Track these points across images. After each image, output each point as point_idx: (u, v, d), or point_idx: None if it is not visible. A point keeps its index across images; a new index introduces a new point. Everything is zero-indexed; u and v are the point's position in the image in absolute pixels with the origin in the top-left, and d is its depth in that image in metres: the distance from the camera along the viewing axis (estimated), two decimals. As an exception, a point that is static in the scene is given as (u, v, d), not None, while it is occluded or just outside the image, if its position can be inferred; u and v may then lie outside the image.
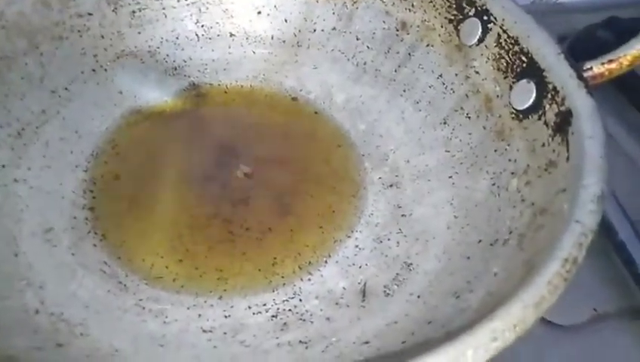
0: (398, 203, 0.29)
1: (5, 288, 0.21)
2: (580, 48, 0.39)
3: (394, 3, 0.33)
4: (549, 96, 0.24)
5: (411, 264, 0.25)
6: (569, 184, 0.20)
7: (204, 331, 0.23)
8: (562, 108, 0.23)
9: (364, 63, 0.34)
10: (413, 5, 0.32)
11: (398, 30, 0.33)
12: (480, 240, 0.24)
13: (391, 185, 0.30)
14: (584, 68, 0.24)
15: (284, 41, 0.35)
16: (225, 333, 0.23)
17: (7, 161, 0.26)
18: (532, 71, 0.26)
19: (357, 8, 0.34)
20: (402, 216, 0.28)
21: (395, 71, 0.33)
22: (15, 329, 0.20)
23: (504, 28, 0.27)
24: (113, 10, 0.32)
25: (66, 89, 0.30)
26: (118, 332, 0.22)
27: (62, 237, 0.25)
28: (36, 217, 0.25)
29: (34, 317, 0.21)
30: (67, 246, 0.25)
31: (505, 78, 0.27)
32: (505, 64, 0.27)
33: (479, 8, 0.29)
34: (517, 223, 0.22)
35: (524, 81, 0.26)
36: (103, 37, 0.32)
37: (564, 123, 0.23)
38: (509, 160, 0.26)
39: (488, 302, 0.18)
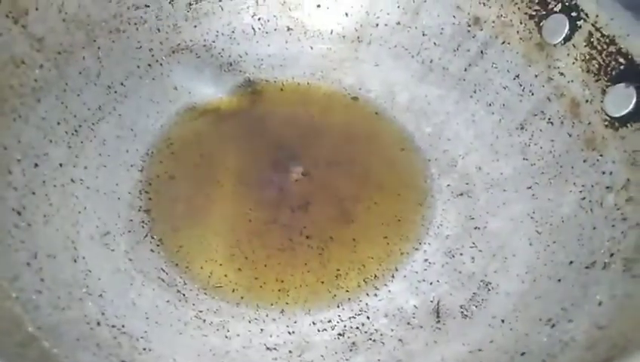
0: (470, 214, 0.27)
1: (66, 297, 0.20)
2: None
3: (466, -4, 0.30)
4: (655, 102, 0.22)
5: (490, 283, 0.23)
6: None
7: (269, 348, 0.22)
8: (674, 118, 0.21)
9: (431, 61, 0.32)
10: (488, -1, 0.30)
11: (470, 26, 0.31)
12: (571, 262, 0.22)
13: (461, 194, 0.28)
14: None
15: (344, 36, 0.33)
16: (290, 352, 0.22)
17: (64, 159, 0.25)
18: (632, 74, 0.23)
19: (425, 1, 0.32)
20: (475, 228, 0.26)
21: (465, 70, 0.31)
22: (79, 342, 0.19)
23: (597, 26, 0.25)
24: (170, 2, 0.31)
25: (122, 84, 0.29)
26: (180, 348, 0.21)
27: (119, 241, 0.24)
28: (93, 220, 0.24)
29: (96, 330, 0.20)
30: (124, 251, 0.24)
31: (597, 81, 0.25)
32: (597, 66, 0.25)
33: (567, 3, 0.26)
34: (620, 245, 0.20)
35: (622, 85, 0.24)
36: (159, 30, 0.31)
37: (676, 134, 0.20)
38: (603, 172, 0.23)
39: (601, 338, 0.16)
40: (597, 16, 0.25)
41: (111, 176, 0.26)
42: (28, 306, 0.19)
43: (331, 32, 0.33)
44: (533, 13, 0.28)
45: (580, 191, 0.24)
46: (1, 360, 0.15)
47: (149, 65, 0.30)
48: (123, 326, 0.20)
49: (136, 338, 0.20)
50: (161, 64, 0.31)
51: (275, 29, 0.33)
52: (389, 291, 0.24)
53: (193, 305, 0.23)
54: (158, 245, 0.25)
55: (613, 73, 0.24)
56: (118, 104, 0.29)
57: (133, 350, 0.20)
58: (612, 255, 0.20)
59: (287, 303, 0.24)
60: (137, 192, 0.26)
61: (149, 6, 0.30)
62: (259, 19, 0.33)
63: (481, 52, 0.30)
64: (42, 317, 0.19)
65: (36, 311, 0.19)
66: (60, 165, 0.25)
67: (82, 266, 0.22)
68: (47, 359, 0.17)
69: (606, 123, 0.24)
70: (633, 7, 0.25)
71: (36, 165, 0.24)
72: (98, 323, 0.20)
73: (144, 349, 0.20)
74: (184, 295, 0.23)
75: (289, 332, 0.22)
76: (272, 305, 0.24)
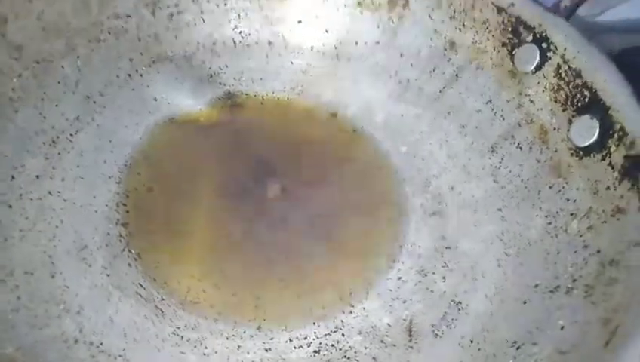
0: (442, 233, 0.28)
1: (44, 314, 0.20)
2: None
3: (443, 21, 0.31)
4: (616, 136, 0.23)
5: (460, 303, 0.24)
6: (648, 239, 0.19)
7: (246, 366, 0.22)
8: (632, 153, 0.22)
9: (407, 81, 0.33)
10: (464, 25, 0.31)
11: (445, 49, 0.32)
12: (537, 285, 0.23)
13: (434, 213, 0.29)
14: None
15: (323, 53, 0.34)
16: (267, 369, 0.22)
17: (41, 171, 0.25)
18: (595, 107, 0.24)
19: (403, 23, 0.33)
20: (447, 248, 0.27)
21: (440, 91, 0.32)
22: (56, 363, 0.19)
23: (565, 58, 0.26)
24: (151, 13, 0.31)
25: (100, 94, 0.29)
26: (158, 366, 0.21)
27: (96, 255, 0.24)
28: (70, 234, 0.24)
29: (73, 348, 0.20)
30: (102, 266, 0.24)
31: (564, 110, 0.26)
32: (564, 96, 0.26)
33: (538, 35, 0.28)
34: (581, 271, 0.21)
35: (587, 116, 0.25)
36: (139, 40, 0.31)
37: (634, 168, 0.22)
38: (567, 199, 0.25)
39: (562, 364, 0.17)
40: (565, 49, 0.26)
41: (88, 188, 0.26)
42: (5, 326, 0.19)
43: (312, 48, 0.34)
44: (506, 41, 0.29)
45: (546, 216, 0.25)
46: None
47: (129, 75, 0.30)
48: (101, 343, 0.20)
49: (115, 356, 0.20)
50: (140, 74, 0.31)
51: (257, 43, 0.34)
52: (364, 308, 0.25)
53: (171, 321, 0.23)
54: (135, 259, 0.25)
55: (579, 104, 0.25)
56: (97, 114, 0.28)
57: (112, 369, 0.20)
58: (574, 280, 0.21)
59: (264, 319, 0.24)
60: (115, 205, 0.26)
61: (130, 16, 0.30)
62: (240, 32, 0.33)
63: (456, 75, 0.31)
64: (20, 337, 0.19)
65: (13, 330, 0.19)
66: (37, 177, 0.25)
67: (60, 282, 0.22)
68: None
69: (571, 151, 0.25)
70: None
71: (12, 177, 0.24)
72: (76, 341, 0.20)
73: (122, 368, 0.20)
74: (162, 311, 0.23)
75: (265, 349, 0.23)
76: (249, 321, 0.24)
